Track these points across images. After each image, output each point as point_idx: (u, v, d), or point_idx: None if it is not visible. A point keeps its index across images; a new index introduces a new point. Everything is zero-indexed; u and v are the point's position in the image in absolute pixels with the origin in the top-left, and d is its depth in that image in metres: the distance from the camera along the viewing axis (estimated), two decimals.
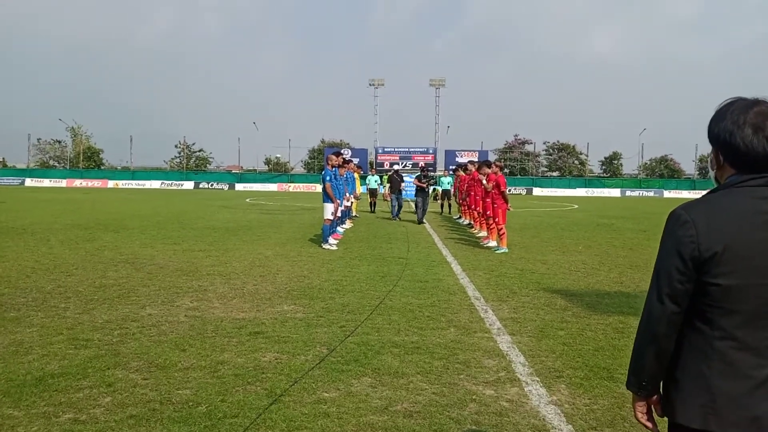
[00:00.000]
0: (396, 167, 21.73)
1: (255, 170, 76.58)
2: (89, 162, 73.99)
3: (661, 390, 1.82)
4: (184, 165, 75.09)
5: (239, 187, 62.34)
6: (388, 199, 20.91)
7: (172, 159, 77.80)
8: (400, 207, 20.24)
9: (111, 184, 61.94)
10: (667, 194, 61.27)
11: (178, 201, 32.43)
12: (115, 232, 14.15)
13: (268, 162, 78.69)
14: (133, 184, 62.50)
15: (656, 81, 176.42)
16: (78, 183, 61.74)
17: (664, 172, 74.96)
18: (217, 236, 13.82)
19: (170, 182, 63.88)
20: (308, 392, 4.16)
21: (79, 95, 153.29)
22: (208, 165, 78.49)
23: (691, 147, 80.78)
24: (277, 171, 73.56)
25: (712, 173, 1.87)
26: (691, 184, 64.27)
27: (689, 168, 74.72)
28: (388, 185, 21.40)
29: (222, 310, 6.52)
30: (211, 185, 63.17)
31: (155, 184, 63.07)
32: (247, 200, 35.57)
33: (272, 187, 62.50)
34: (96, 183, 62.10)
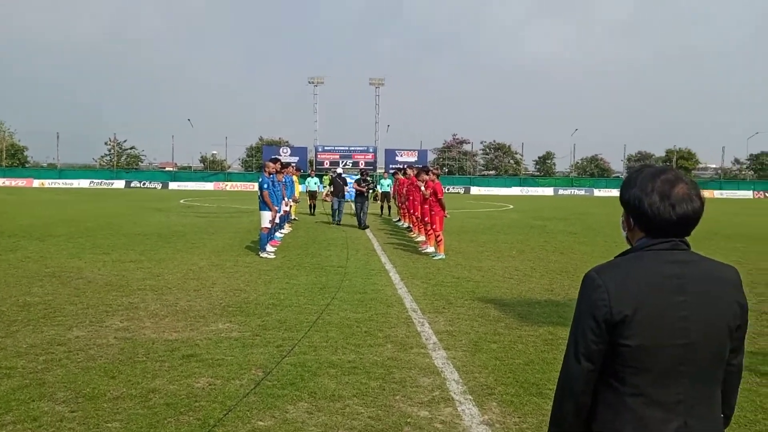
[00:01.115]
0: (339, 170, 21.54)
1: (190, 168, 74.71)
2: (12, 160, 70.29)
3: None
4: (115, 163, 72.46)
5: (173, 185, 60.67)
6: (328, 200, 20.69)
7: (102, 157, 74.94)
8: (340, 212, 19.95)
9: (36, 183, 59.06)
10: (598, 192, 63.69)
11: (109, 202, 31.28)
12: (41, 241, 13.54)
13: (203, 160, 76.88)
14: (60, 183, 59.83)
15: (588, 83, 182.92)
16: (0, 182, 58.55)
17: (594, 171, 77.82)
18: (149, 244, 13.43)
19: (100, 181, 61.49)
20: (243, 421, 4.12)
21: (0, 90, 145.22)
22: (140, 163, 75.98)
23: (620, 146, 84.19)
24: (213, 169, 71.97)
25: (624, 234, 1.98)
26: (620, 183, 66.87)
27: (618, 167, 77.93)
28: (328, 188, 21.25)
29: (153, 330, 6.36)
30: (143, 184, 61.22)
31: (84, 183, 60.56)
32: (181, 201, 34.67)
33: (208, 186, 61.14)
34: (20, 182, 59.07)
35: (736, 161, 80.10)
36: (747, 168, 79.04)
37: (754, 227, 21.95)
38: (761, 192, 66.08)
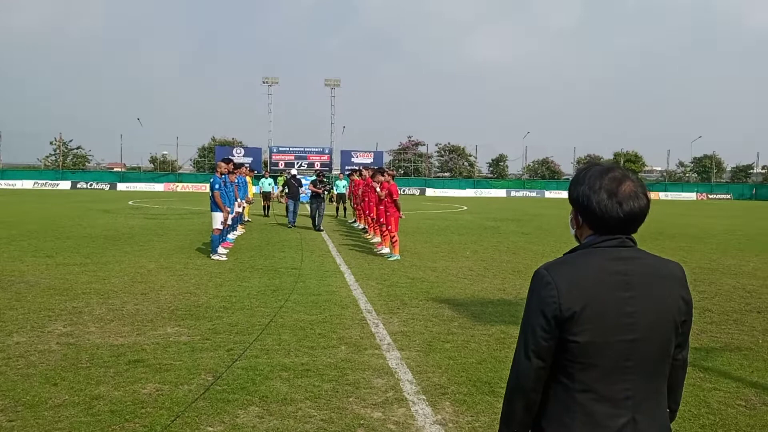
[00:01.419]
0: (293, 171, 21.30)
1: (140, 168, 72.79)
2: None
3: None
4: (60, 163, 69.97)
5: (121, 186, 58.99)
6: (282, 201, 20.38)
7: (47, 157, 72.18)
8: (295, 214, 19.61)
9: None
10: (548, 194, 64.99)
11: (53, 204, 30.18)
12: None
13: (153, 160, 74.89)
14: (3, 184, 57.37)
15: (539, 87, 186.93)
16: None
17: (545, 173, 79.37)
18: (95, 247, 12.99)
19: (44, 182, 59.26)
20: (191, 427, 4.01)
21: None
22: (87, 163, 73.57)
23: (570, 150, 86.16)
24: (163, 170, 70.26)
25: (572, 231, 1.99)
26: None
27: (568, 169, 79.64)
28: (281, 188, 20.97)
29: (98, 335, 6.13)
30: (90, 185, 59.33)
31: (27, 184, 58.30)
32: (130, 203, 33.72)
33: (158, 187, 59.67)
34: None
35: (681, 164, 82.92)
36: (691, 171, 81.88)
37: (698, 228, 22.76)
38: (704, 194, 68.70)
